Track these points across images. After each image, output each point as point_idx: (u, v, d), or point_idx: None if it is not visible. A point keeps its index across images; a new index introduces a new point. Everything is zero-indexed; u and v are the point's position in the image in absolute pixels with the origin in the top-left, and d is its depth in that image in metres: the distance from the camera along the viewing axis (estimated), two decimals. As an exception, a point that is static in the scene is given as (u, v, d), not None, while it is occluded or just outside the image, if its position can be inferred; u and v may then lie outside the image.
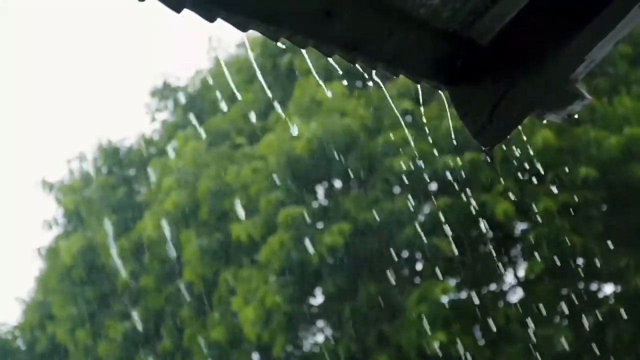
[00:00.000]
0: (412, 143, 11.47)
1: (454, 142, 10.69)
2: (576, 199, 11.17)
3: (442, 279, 11.36)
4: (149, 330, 13.65)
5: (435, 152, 11.26)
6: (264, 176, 11.94)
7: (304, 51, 1.80)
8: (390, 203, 11.31)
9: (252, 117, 13.27)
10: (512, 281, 12.49)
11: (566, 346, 11.27)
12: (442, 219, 11.18)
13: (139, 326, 13.59)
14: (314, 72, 12.19)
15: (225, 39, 15.28)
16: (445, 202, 11.18)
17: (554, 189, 11.20)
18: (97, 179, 15.53)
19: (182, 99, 15.57)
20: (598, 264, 11.23)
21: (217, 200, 12.49)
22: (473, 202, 10.96)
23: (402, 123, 11.98)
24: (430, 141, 11.43)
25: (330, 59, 1.86)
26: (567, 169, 11.24)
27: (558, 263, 11.02)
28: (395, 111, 11.84)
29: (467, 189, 11.17)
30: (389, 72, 1.99)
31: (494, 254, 11.96)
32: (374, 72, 1.99)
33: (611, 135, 11.25)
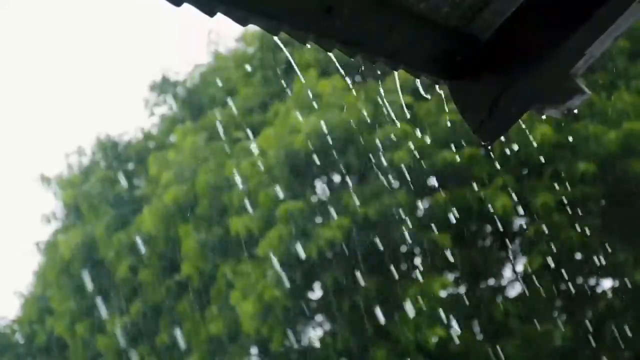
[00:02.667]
0: (411, 138, 11.47)
1: (453, 136, 10.70)
2: (575, 194, 11.18)
3: (440, 273, 11.38)
4: (148, 324, 13.65)
5: (434, 146, 11.27)
6: (262, 170, 11.94)
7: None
8: (389, 197, 11.31)
9: (252, 111, 13.29)
10: (510, 276, 12.51)
11: (565, 341, 11.28)
12: (441, 213, 11.19)
13: (138, 320, 13.61)
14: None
15: (225, 33, 15.28)
16: (444, 197, 11.18)
17: (553, 184, 11.21)
18: (96, 173, 15.53)
19: (181, 93, 15.56)
20: (597, 259, 11.25)
21: (216, 195, 12.49)
22: (472, 197, 10.97)
23: (403, 117, 11.97)
24: (430, 136, 11.43)
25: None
26: (566, 164, 11.25)
27: (557, 258, 11.03)
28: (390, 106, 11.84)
29: (466, 184, 11.17)
30: (389, 66, 1.99)
31: (493, 249, 11.97)
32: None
33: (610, 130, 11.25)
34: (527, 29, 2.10)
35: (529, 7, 2.08)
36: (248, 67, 14.13)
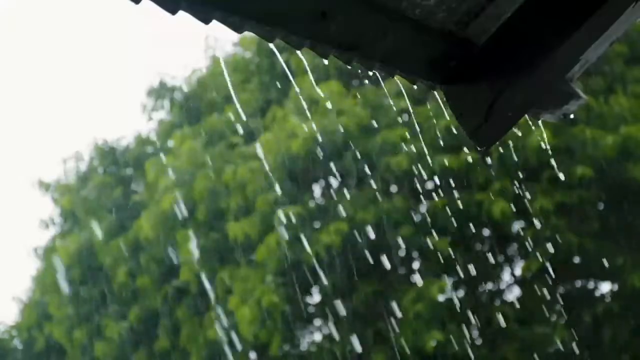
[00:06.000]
0: (408, 142, 11.46)
1: (451, 141, 10.69)
2: (572, 198, 11.18)
3: (438, 278, 11.37)
4: (146, 330, 13.63)
5: (432, 151, 11.26)
6: (260, 175, 11.93)
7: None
8: (387, 202, 11.31)
9: (249, 116, 13.28)
10: (509, 280, 12.51)
11: (563, 344, 11.28)
12: (439, 218, 11.18)
13: (136, 326, 13.59)
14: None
15: (222, 38, 15.27)
16: (441, 201, 11.18)
17: (551, 188, 11.21)
18: (94, 178, 15.51)
19: (178, 98, 15.54)
20: (594, 263, 11.25)
21: (213, 200, 12.48)
22: (469, 201, 10.96)
23: (399, 122, 11.97)
24: (427, 140, 11.43)
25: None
26: (563, 168, 11.26)
27: (555, 262, 11.03)
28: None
29: (464, 188, 11.16)
30: (385, 72, 1.98)
31: (491, 253, 11.97)
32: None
33: (607, 135, 11.26)
34: (523, 33, 2.10)
35: (525, 12, 2.08)
36: (245, 72, 14.13)
